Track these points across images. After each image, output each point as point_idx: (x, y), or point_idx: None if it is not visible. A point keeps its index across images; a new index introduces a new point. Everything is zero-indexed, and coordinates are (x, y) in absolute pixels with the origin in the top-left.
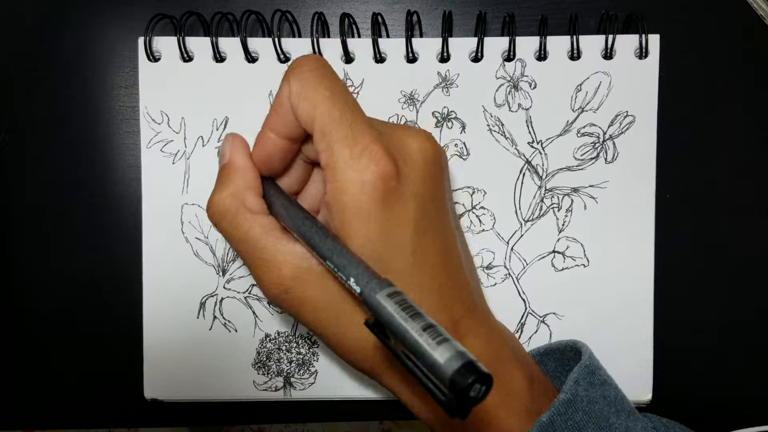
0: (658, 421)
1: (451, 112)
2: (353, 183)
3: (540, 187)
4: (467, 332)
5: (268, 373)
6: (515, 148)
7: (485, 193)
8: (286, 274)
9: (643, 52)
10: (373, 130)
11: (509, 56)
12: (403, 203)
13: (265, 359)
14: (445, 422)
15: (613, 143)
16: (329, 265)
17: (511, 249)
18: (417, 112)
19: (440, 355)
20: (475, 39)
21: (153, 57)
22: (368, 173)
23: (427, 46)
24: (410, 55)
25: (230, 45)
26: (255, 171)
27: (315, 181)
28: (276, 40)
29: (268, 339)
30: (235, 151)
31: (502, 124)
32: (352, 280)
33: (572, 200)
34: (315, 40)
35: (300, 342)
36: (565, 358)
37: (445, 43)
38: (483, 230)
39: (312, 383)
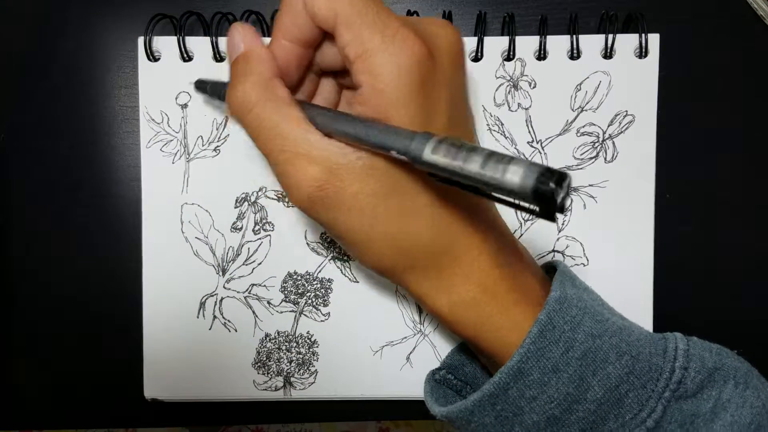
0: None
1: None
2: (389, 68)
3: None
4: (489, 232)
5: (268, 373)
6: (515, 148)
7: None
8: (323, 169)
9: (642, 52)
10: (399, 17)
11: (509, 56)
12: (438, 90)
13: (265, 359)
14: (460, 312)
15: (613, 143)
16: (370, 144)
17: None
18: None
19: (512, 178)
20: (475, 38)
21: (153, 57)
22: (404, 56)
23: None
24: None
25: None
26: (274, 59)
27: (321, 93)
28: None
29: (268, 339)
30: (249, 39)
31: (502, 124)
32: (395, 149)
33: (572, 199)
34: None
35: (300, 342)
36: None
37: None
38: None
39: (312, 383)
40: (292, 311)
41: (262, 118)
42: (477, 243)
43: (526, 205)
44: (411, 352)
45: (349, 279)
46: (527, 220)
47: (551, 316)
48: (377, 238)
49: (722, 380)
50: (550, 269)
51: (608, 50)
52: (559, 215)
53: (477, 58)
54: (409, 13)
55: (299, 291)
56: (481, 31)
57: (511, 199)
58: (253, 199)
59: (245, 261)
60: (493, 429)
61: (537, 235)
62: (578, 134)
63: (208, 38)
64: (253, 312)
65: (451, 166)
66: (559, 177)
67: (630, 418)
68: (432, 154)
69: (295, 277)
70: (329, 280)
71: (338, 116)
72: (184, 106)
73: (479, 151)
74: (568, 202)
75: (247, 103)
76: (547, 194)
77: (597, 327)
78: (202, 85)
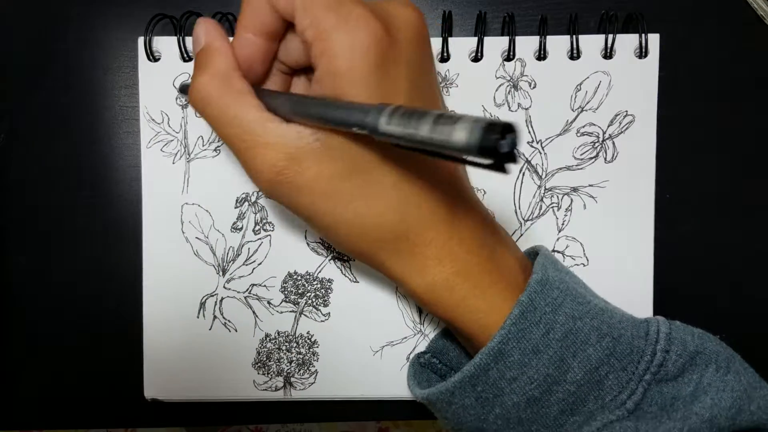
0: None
1: (451, 111)
2: (344, 47)
3: (540, 187)
4: (463, 214)
5: (268, 373)
6: None
7: (485, 192)
8: (282, 155)
9: (642, 52)
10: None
11: (509, 56)
12: (396, 68)
13: (265, 359)
14: (435, 294)
15: (613, 143)
16: (330, 121)
17: None
18: None
19: (459, 136)
20: (475, 39)
21: (153, 57)
22: (359, 34)
23: None
24: None
25: None
26: (233, 53)
27: (295, 91)
28: None
29: (268, 339)
30: (210, 34)
31: None
32: (353, 123)
33: (572, 200)
34: None
35: (300, 342)
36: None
37: (445, 43)
38: None
39: (312, 383)
40: (292, 311)
41: (221, 109)
42: (448, 225)
43: (480, 161)
44: (411, 352)
45: (349, 279)
46: (527, 219)
47: (532, 297)
48: (342, 220)
49: (704, 364)
50: (533, 255)
51: (608, 50)
52: (512, 166)
53: (477, 58)
54: None
55: (299, 291)
56: (481, 31)
57: (467, 158)
58: (253, 199)
59: (245, 261)
60: (473, 410)
61: (537, 235)
62: (578, 134)
63: None
64: (254, 312)
65: (405, 133)
66: (503, 128)
67: (610, 399)
68: (387, 125)
69: (295, 277)
70: (329, 280)
71: (297, 99)
72: (185, 106)
73: (429, 115)
74: (518, 152)
75: (206, 95)
76: (491, 147)
77: (578, 309)
78: (186, 89)
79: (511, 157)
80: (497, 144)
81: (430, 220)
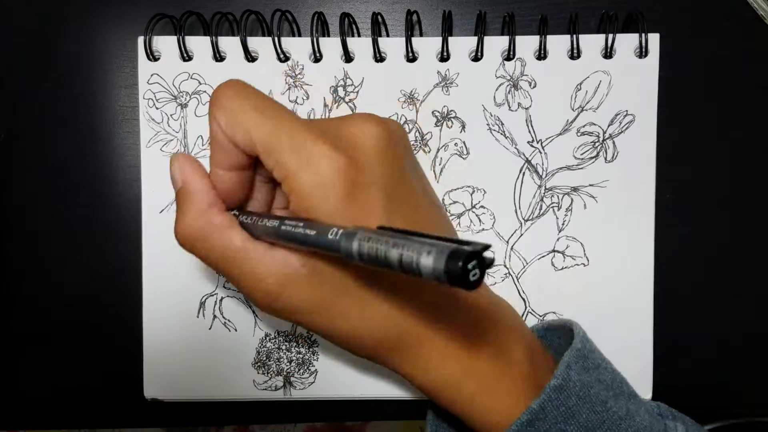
0: (666, 410)
1: (451, 111)
2: (310, 188)
3: (540, 187)
4: (462, 313)
5: (267, 373)
6: (515, 148)
7: (485, 192)
8: (272, 282)
9: (643, 52)
10: (314, 130)
11: (509, 55)
12: (366, 193)
13: (264, 359)
14: (444, 391)
15: (613, 142)
16: (307, 243)
17: (511, 248)
18: (417, 111)
19: (426, 263)
20: (475, 38)
21: (153, 57)
22: (322, 172)
23: (427, 45)
24: (410, 54)
25: (230, 45)
26: (211, 187)
27: (280, 196)
28: (276, 39)
29: (267, 338)
30: (185, 173)
31: (502, 124)
32: (330, 248)
33: (572, 199)
34: (315, 39)
35: (300, 341)
36: (568, 336)
37: (444, 43)
38: (483, 229)
39: (312, 383)
40: None
41: (207, 247)
42: (446, 327)
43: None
44: None
45: None
46: (527, 219)
47: (544, 405)
48: (341, 333)
49: None
50: (568, 330)
51: (608, 50)
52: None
53: (477, 58)
54: (409, 13)
55: None
56: (481, 30)
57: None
58: None
59: None
60: None
61: (537, 235)
62: (578, 134)
63: (208, 38)
64: (253, 312)
65: (375, 259)
66: (468, 256)
67: None
68: (358, 251)
69: None
70: None
71: (278, 228)
72: (184, 106)
73: (399, 244)
74: (486, 273)
75: (190, 235)
76: (459, 275)
77: (594, 418)
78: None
79: (482, 276)
80: (465, 272)
81: (427, 325)
